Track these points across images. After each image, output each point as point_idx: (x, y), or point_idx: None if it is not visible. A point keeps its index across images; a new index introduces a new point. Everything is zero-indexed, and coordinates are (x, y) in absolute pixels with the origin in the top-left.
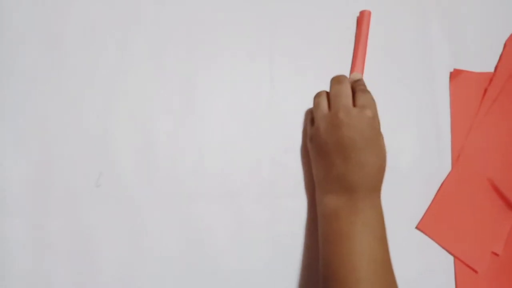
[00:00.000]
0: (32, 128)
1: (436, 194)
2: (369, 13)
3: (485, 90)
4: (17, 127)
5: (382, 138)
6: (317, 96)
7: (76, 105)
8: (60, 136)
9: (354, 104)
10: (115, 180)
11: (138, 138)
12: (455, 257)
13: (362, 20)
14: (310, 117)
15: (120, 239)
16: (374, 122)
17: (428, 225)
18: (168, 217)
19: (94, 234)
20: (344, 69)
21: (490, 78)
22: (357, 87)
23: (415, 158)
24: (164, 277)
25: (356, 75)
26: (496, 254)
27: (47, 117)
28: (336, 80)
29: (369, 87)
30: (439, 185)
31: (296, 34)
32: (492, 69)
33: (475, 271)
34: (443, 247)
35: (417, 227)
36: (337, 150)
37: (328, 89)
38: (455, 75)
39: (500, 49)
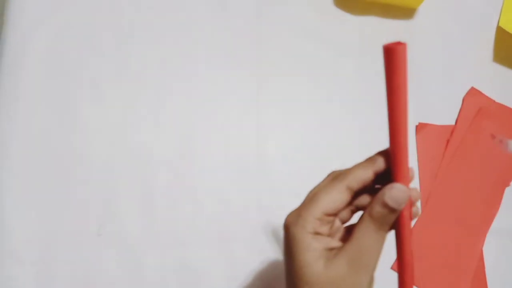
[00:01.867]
0: (38, 181)
1: None
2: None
3: (448, 141)
4: (25, 179)
5: None
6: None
7: (79, 159)
8: (64, 188)
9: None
10: (115, 229)
11: (137, 189)
12: None
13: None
14: None
15: (121, 285)
16: None
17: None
18: (165, 262)
19: (97, 280)
20: (326, 121)
21: (452, 130)
22: (370, 211)
23: None
24: None
25: (392, 188)
26: None
27: (52, 171)
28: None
29: (340, 140)
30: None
31: (283, 82)
32: (453, 122)
33: None
34: (417, 287)
35: (392, 268)
36: None
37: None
38: (421, 128)
39: (459, 104)
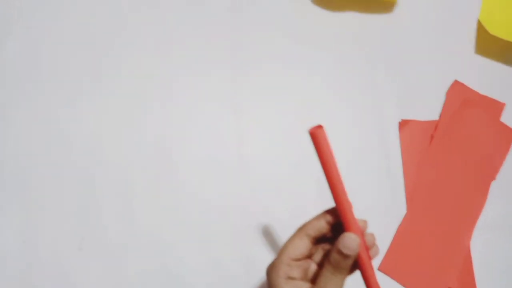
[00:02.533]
0: (18, 198)
1: (394, 235)
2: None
3: (432, 136)
4: (5, 196)
5: None
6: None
7: (57, 172)
8: (43, 203)
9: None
10: (96, 241)
11: (116, 198)
12: None
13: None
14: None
15: None
16: None
17: (388, 266)
18: (148, 270)
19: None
20: (305, 119)
21: (436, 124)
22: (329, 259)
23: (372, 203)
24: None
25: (345, 238)
26: None
27: (31, 187)
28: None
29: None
30: (396, 226)
31: (261, 81)
32: (437, 117)
33: None
34: (404, 286)
35: (378, 269)
36: None
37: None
38: (404, 124)
39: (442, 99)
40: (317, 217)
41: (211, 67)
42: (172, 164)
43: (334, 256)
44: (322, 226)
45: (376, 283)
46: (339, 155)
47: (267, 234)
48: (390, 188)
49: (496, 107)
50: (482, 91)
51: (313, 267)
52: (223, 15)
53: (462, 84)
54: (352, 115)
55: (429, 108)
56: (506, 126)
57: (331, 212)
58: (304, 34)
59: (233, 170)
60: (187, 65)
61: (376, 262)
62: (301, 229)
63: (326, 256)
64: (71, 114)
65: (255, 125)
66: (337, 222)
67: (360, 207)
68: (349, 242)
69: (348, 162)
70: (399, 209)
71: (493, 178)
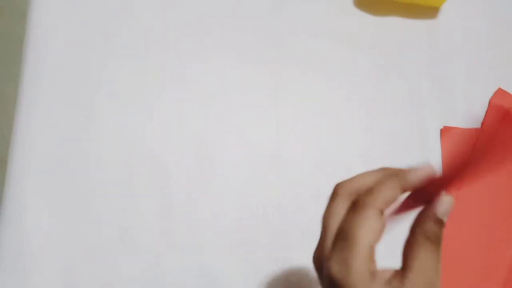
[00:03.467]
0: (59, 189)
1: None
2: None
3: (473, 145)
4: (46, 188)
5: None
6: (334, 196)
7: (99, 165)
8: (84, 195)
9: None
10: (136, 235)
11: (156, 194)
12: None
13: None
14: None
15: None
16: None
17: None
18: (185, 268)
19: (120, 285)
20: (345, 121)
21: (478, 133)
22: (424, 231)
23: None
24: None
25: (443, 202)
26: None
27: (72, 178)
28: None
29: (367, 144)
30: None
31: (302, 81)
32: (479, 125)
33: None
34: None
35: None
36: None
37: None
38: (445, 131)
39: (485, 106)
40: (386, 184)
41: (252, 66)
42: (211, 163)
43: (431, 226)
44: (396, 195)
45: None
46: (380, 161)
47: (306, 236)
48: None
49: None
50: None
51: None
52: (264, 16)
53: (506, 92)
54: (394, 121)
55: (471, 115)
56: None
57: (397, 174)
58: (345, 37)
59: (271, 171)
60: (229, 64)
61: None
62: (370, 203)
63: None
64: (115, 111)
65: (295, 125)
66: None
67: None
68: (448, 207)
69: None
70: None
71: None
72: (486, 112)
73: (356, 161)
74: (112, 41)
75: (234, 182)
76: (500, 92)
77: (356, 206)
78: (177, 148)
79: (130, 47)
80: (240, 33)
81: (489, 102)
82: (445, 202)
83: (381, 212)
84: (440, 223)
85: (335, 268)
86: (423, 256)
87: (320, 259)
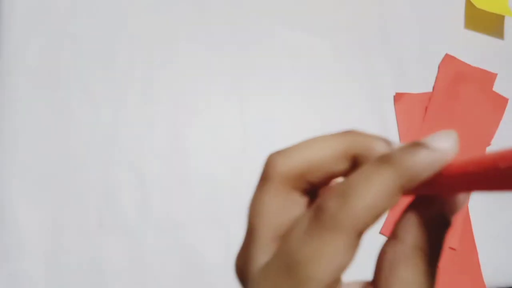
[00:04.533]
0: (40, 179)
1: None
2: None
3: (426, 108)
4: (29, 179)
5: None
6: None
7: (77, 157)
8: (65, 184)
9: None
10: (115, 218)
11: (132, 180)
12: None
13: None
14: None
15: (125, 269)
16: None
17: (390, 229)
18: (165, 245)
19: (103, 267)
20: (312, 103)
21: (430, 96)
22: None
23: None
24: None
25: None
26: (453, 249)
27: (52, 169)
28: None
29: (325, 117)
30: None
31: (267, 81)
32: (430, 89)
33: None
34: None
35: (380, 232)
36: None
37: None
38: (399, 97)
39: (435, 72)
40: (373, 178)
41: (217, 60)
42: (184, 148)
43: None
44: (391, 201)
45: None
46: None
47: None
48: None
49: (488, 77)
50: (473, 64)
51: None
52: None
53: (454, 57)
54: (349, 91)
55: (422, 81)
56: (498, 95)
57: (389, 157)
58: (300, 19)
59: (239, 152)
60: (192, 56)
61: (377, 226)
62: (341, 223)
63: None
64: (89, 106)
65: (259, 112)
66: None
67: None
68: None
69: None
70: None
71: (488, 144)
72: (437, 77)
73: (315, 132)
74: (80, 39)
75: (206, 164)
76: (448, 58)
77: (317, 224)
78: (150, 137)
79: (98, 48)
80: (202, 21)
81: (439, 67)
82: (461, 204)
83: (359, 236)
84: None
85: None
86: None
87: (244, 274)
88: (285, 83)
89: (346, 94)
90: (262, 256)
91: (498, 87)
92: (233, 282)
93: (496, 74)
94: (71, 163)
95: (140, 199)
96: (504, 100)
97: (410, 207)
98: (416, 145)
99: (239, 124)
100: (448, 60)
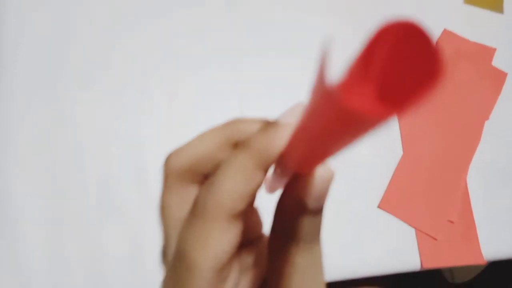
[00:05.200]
0: (41, 167)
1: (393, 175)
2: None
3: None
4: (29, 167)
5: None
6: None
7: (76, 144)
8: (64, 171)
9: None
10: (114, 204)
11: (130, 166)
12: (415, 229)
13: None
14: None
15: (124, 252)
16: None
17: (388, 203)
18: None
19: (103, 250)
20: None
21: None
22: (296, 232)
23: (370, 147)
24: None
25: (318, 183)
26: (452, 222)
27: (52, 157)
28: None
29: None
30: (394, 168)
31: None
32: None
33: (435, 239)
34: (404, 221)
35: (378, 206)
36: None
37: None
38: None
39: None
40: (232, 168)
41: (214, 41)
42: (180, 133)
43: (306, 224)
44: (253, 183)
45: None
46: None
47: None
48: (386, 132)
49: (487, 52)
50: (472, 39)
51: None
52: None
53: (452, 33)
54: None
55: None
56: (497, 70)
57: (248, 143)
58: (299, 4)
59: None
60: (191, 49)
61: (376, 201)
62: (210, 210)
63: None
64: (88, 95)
65: (258, 101)
66: None
67: (358, 152)
68: (326, 186)
69: None
70: (396, 152)
71: (486, 118)
72: None
73: None
74: (80, 30)
75: None
76: (446, 33)
77: (193, 213)
78: (146, 123)
79: (97, 35)
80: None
81: (437, 42)
82: (320, 183)
83: (232, 217)
84: (317, 213)
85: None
86: (301, 266)
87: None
88: (289, 72)
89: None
90: (169, 246)
91: (498, 62)
92: None
93: (495, 49)
94: (72, 153)
95: (139, 188)
96: (503, 75)
97: (279, 200)
98: (267, 124)
99: (236, 105)
100: (447, 36)
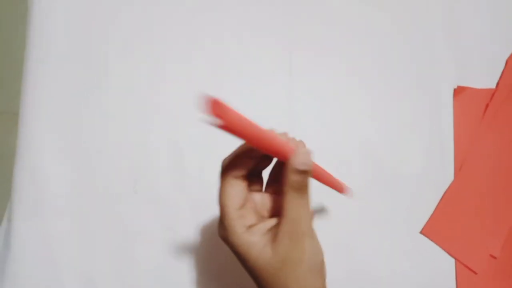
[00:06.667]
0: (74, 140)
1: (440, 201)
2: None
3: (487, 105)
4: (62, 140)
5: None
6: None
7: (112, 118)
8: (99, 146)
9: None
10: (149, 185)
11: (167, 146)
12: (456, 259)
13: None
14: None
15: (157, 237)
16: None
17: (432, 230)
18: (197, 218)
19: (135, 232)
20: (364, 82)
21: (492, 94)
22: (289, 182)
23: (421, 168)
24: (193, 271)
25: (301, 155)
26: (494, 257)
27: (86, 131)
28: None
29: (378, 100)
30: (443, 193)
31: (316, 42)
32: (494, 85)
33: (474, 272)
34: (445, 251)
35: (421, 232)
36: None
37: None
38: (459, 91)
39: (501, 66)
40: (236, 156)
41: (266, 28)
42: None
43: (293, 177)
44: (247, 162)
45: (334, 178)
46: (391, 117)
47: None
48: (440, 155)
49: None
50: None
51: (258, 198)
52: None
53: None
54: (407, 79)
55: (487, 76)
56: None
57: (246, 147)
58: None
59: (283, 126)
60: (240, 32)
61: (419, 226)
62: (225, 175)
63: (275, 184)
64: (126, 65)
65: (306, 88)
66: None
67: (408, 172)
68: (303, 157)
69: (400, 127)
70: (447, 177)
71: None
72: (503, 72)
73: (365, 116)
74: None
75: None
76: None
77: (221, 177)
78: (187, 103)
79: (140, 7)
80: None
81: (506, 62)
82: (300, 154)
83: (236, 176)
84: (300, 172)
85: (220, 232)
86: (291, 205)
87: (225, 238)
88: (337, 58)
89: (401, 78)
90: (232, 222)
91: None
92: None
93: None
94: (104, 124)
95: (175, 168)
96: None
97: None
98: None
99: (285, 99)
100: None
